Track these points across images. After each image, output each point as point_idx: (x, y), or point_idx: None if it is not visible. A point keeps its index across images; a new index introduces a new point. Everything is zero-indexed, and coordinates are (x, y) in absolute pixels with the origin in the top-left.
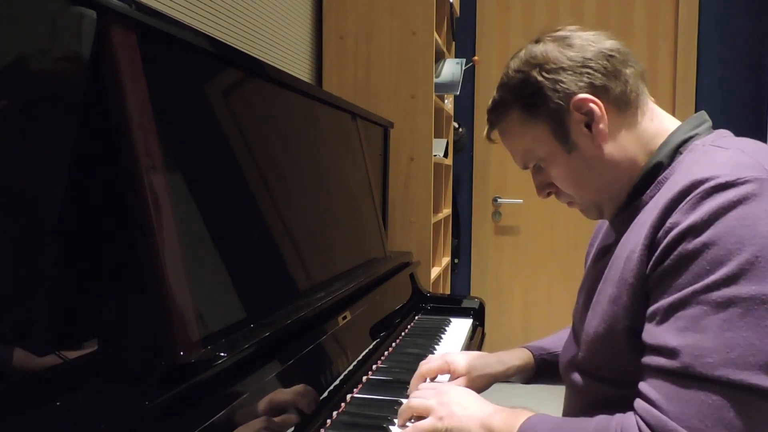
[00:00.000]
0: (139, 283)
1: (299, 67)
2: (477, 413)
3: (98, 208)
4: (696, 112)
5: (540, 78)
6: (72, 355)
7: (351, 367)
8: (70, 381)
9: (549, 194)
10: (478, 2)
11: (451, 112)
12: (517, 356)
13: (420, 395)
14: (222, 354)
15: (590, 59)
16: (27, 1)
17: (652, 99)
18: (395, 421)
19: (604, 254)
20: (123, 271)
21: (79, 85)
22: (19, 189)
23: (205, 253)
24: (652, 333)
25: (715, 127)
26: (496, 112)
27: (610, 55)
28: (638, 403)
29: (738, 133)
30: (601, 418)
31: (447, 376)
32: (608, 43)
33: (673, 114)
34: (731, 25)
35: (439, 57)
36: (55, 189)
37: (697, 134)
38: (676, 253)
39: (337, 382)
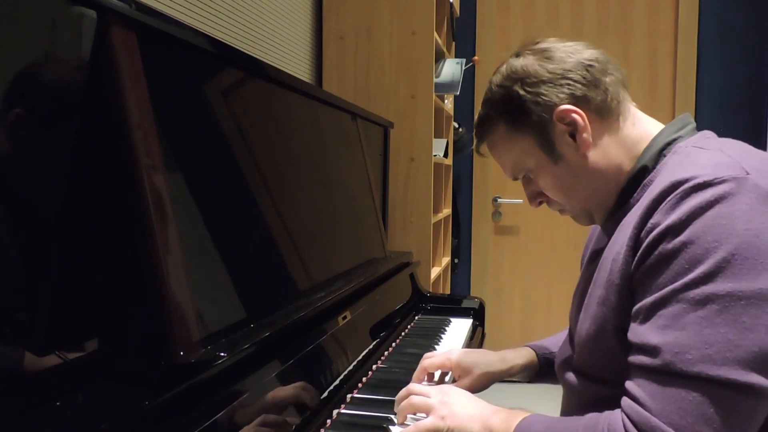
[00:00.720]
0: (139, 283)
1: (299, 67)
2: (477, 413)
3: (98, 207)
4: (696, 112)
5: (522, 92)
6: (72, 355)
7: (351, 367)
8: (70, 381)
9: (540, 203)
10: (478, 2)
11: (451, 112)
12: (521, 355)
13: (422, 391)
14: (222, 354)
15: (570, 70)
16: (27, 1)
17: (634, 104)
18: (395, 420)
19: (595, 257)
20: (123, 271)
21: (79, 85)
22: (19, 188)
23: (205, 253)
24: (636, 332)
25: (715, 127)
26: (483, 127)
27: (589, 65)
28: (624, 400)
29: (738, 133)
30: (591, 416)
31: (449, 374)
32: (587, 53)
33: (673, 114)
34: (731, 25)
35: (439, 57)
36: (55, 188)
37: (680, 136)
38: (656, 252)
39: (337, 382)
